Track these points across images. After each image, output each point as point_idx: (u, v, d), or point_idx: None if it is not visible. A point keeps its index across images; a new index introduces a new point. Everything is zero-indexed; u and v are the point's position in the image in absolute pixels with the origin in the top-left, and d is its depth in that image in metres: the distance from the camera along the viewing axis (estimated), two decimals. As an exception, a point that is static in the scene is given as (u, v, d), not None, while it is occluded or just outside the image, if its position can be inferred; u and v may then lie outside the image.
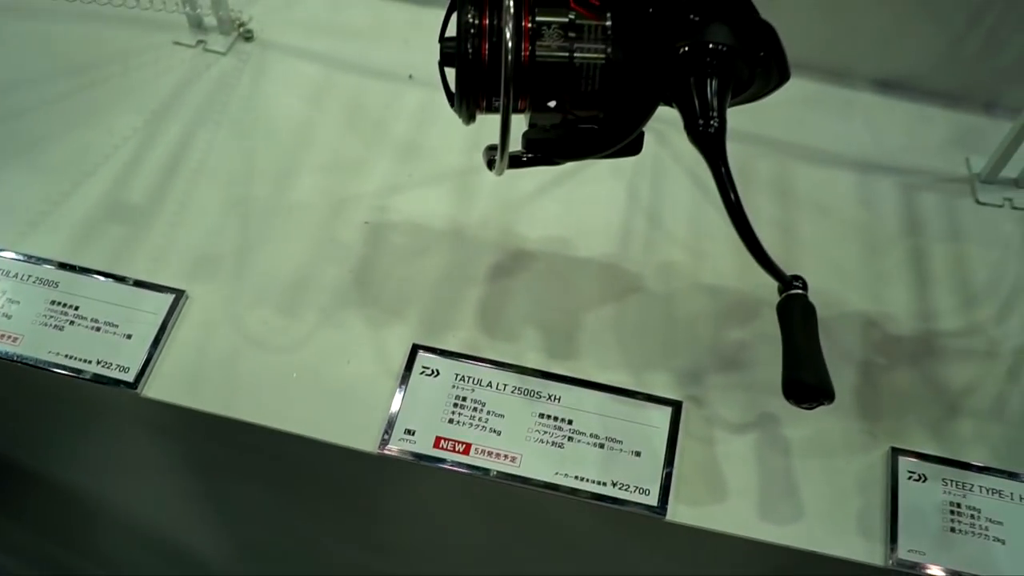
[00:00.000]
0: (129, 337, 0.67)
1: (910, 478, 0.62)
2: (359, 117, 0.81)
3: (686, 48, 0.52)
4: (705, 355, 0.67)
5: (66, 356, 0.66)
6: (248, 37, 0.87)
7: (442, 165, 0.78)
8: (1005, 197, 0.79)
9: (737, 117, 0.52)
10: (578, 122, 0.54)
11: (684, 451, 0.62)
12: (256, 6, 0.88)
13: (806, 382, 0.52)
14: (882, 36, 0.83)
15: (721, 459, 0.63)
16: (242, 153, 0.78)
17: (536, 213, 0.74)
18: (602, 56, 0.51)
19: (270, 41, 0.87)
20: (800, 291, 0.56)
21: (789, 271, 0.57)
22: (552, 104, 0.52)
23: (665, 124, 0.57)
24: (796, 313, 0.55)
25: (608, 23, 0.51)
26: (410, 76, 0.83)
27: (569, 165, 0.72)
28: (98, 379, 0.65)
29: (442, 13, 0.53)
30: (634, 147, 0.56)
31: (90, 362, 0.66)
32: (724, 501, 0.61)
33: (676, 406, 0.64)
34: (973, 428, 0.65)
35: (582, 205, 0.75)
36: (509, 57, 0.49)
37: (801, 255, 0.73)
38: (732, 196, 0.53)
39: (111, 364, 0.66)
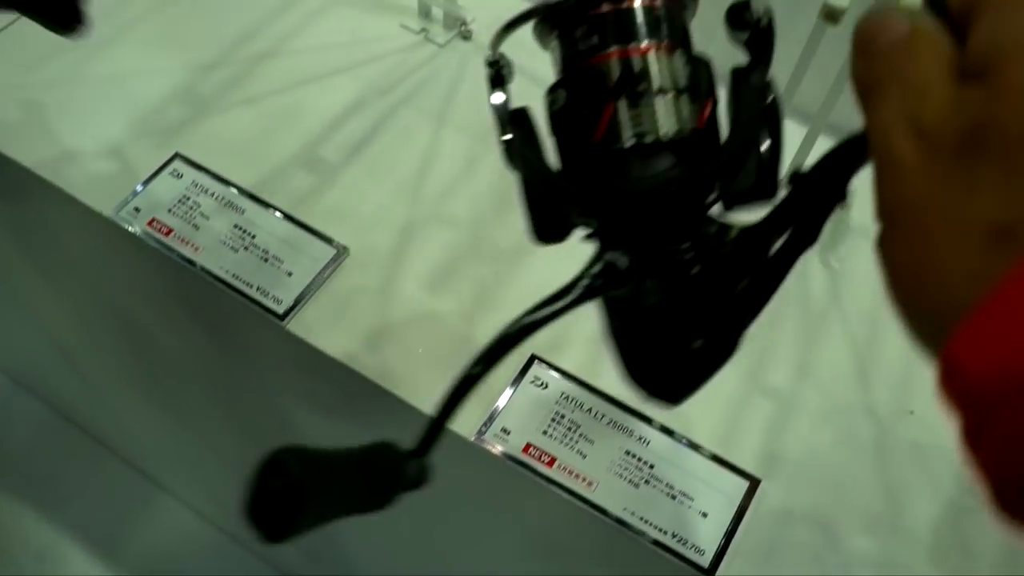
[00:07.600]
0: (290, 275, 0.75)
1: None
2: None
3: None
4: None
5: (233, 276, 0.75)
6: (467, 36, 0.93)
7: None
8: None
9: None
10: None
11: (749, 527, 0.65)
12: (483, 11, 0.94)
13: None
14: None
15: (781, 546, 0.65)
16: (428, 139, 0.84)
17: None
18: None
19: (484, 46, 0.93)
20: None
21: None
22: None
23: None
24: None
25: None
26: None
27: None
28: (254, 302, 0.73)
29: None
30: None
31: (251, 286, 0.74)
32: (772, 587, 0.64)
33: (754, 482, 0.66)
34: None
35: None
36: None
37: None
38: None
39: (268, 293, 0.74)
